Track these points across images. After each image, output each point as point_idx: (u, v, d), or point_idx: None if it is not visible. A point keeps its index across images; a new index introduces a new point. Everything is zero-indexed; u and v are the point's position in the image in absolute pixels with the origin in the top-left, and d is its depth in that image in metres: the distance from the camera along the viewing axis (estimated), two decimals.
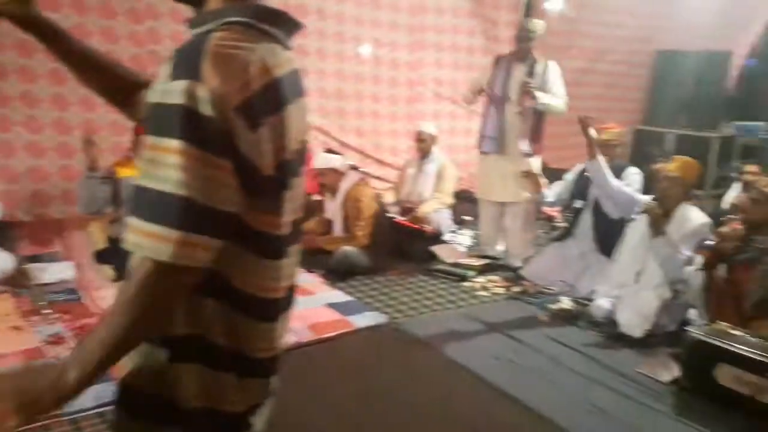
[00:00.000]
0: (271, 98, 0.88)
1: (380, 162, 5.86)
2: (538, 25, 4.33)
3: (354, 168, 5.35)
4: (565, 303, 3.82)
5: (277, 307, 1.00)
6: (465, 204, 6.02)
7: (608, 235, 3.94)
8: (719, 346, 2.64)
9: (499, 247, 4.75)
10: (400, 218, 4.83)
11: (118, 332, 0.82)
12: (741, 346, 2.61)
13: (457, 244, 4.91)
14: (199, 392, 0.93)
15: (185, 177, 0.80)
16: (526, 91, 4.20)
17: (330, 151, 4.51)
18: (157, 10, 4.39)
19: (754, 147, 7.73)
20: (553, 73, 4.33)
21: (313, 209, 4.54)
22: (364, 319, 3.44)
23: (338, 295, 3.78)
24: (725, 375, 2.60)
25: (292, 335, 3.10)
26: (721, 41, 7.94)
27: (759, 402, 2.33)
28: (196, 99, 0.80)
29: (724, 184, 6.60)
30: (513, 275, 4.31)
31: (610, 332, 3.41)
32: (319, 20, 5.28)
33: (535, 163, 4.46)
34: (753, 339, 2.68)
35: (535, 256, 4.37)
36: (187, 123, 0.80)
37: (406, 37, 5.77)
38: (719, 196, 5.65)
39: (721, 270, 3.19)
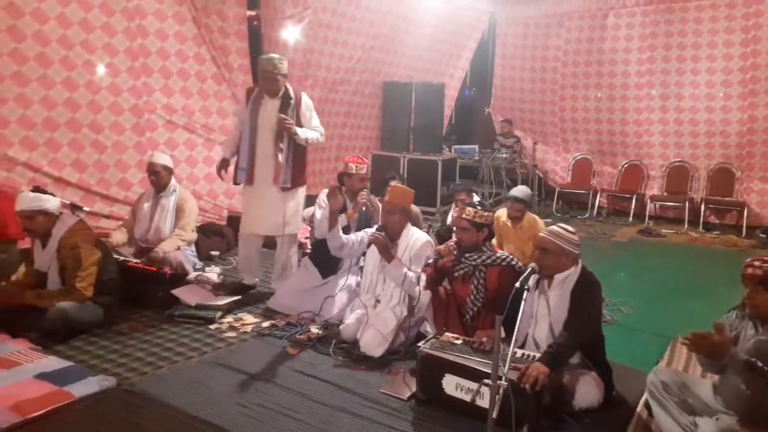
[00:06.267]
0: None
1: (108, 198, 5.24)
2: (283, 62, 4.28)
3: (75, 207, 4.69)
4: (314, 330, 3.82)
5: None
6: (213, 238, 5.71)
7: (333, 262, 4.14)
8: (442, 358, 2.84)
9: (256, 279, 4.68)
10: (134, 261, 4.34)
11: None
12: (461, 356, 2.84)
13: (203, 283, 4.59)
14: None
15: None
16: (285, 128, 4.18)
17: (38, 189, 3.82)
18: None
19: (470, 167, 8.93)
20: (306, 106, 4.38)
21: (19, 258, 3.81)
22: (86, 387, 2.95)
23: (53, 362, 3.19)
24: (450, 384, 2.80)
25: None
26: (437, 74, 9.05)
27: (477, 406, 2.54)
28: None
29: (449, 200, 7.45)
30: (262, 310, 4.19)
31: (355, 355, 3.47)
32: (12, 40, 4.53)
33: (301, 195, 4.53)
34: (472, 348, 2.95)
35: (280, 287, 4.32)
36: None
37: (127, 62, 5.27)
38: (447, 212, 6.32)
39: (445, 285, 3.49)
